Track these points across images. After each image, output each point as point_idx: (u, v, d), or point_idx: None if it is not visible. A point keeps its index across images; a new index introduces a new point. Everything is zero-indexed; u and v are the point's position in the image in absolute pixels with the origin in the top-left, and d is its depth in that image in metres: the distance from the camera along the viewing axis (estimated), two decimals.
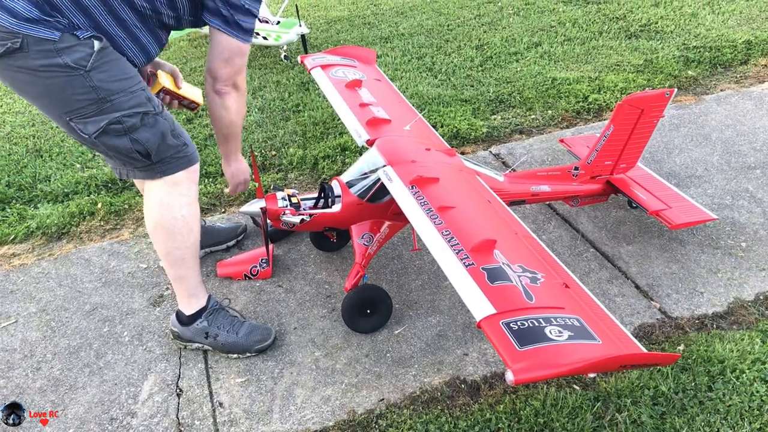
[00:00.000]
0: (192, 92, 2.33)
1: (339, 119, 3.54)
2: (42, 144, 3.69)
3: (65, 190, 3.23)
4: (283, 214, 2.25)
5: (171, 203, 2.08)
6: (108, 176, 3.29)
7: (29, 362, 2.28)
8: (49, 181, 3.33)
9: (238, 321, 2.30)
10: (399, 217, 2.30)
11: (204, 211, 3.05)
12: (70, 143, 3.67)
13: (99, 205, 3.09)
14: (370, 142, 2.39)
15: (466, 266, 1.71)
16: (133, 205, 3.09)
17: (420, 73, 4.10)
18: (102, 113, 1.89)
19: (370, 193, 2.30)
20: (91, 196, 3.17)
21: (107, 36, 1.87)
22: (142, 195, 3.10)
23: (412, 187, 2.07)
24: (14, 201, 3.19)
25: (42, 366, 2.27)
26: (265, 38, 4.38)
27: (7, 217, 3.09)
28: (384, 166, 2.21)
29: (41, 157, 3.56)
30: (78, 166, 3.44)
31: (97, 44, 1.82)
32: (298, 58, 3.01)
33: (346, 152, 3.33)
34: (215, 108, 2.15)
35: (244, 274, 2.58)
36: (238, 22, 1.97)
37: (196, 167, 2.15)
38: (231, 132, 2.27)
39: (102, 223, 3.01)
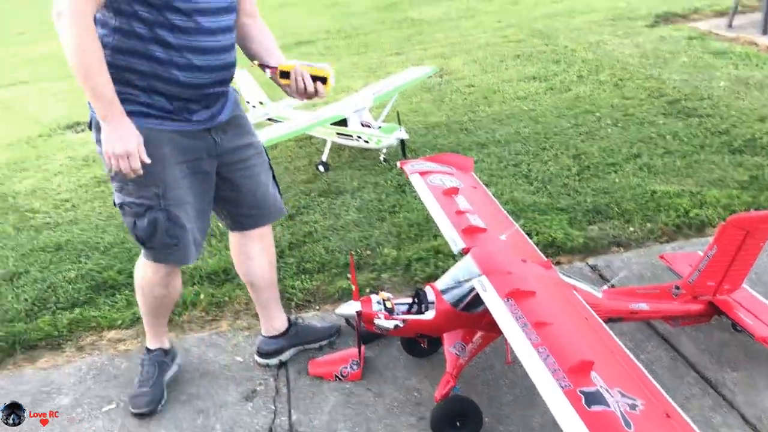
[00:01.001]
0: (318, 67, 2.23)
1: (433, 222, 3.60)
2: None
3: None
4: (377, 318, 2.28)
5: (152, 282, 2.51)
6: (211, 268, 3.45)
7: None
8: None
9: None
10: (492, 327, 2.29)
11: (299, 307, 3.13)
12: None
13: (201, 296, 3.23)
14: (466, 251, 2.42)
15: (563, 387, 1.67)
16: (233, 297, 3.21)
17: (516, 179, 4.15)
18: (121, 191, 2.27)
19: (465, 302, 2.31)
20: (195, 286, 3.33)
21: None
22: (241, 287, 3.23)
23: (508, 299, 2.07)
24: (124, 287, 3.38)
25: None
26: (366, 141, 4.57)
27: (116, 302, 3.28)
28: (479, 275, 2.23)
29: None
30: None
31: None
32: (398, 163, 3.12)
33: (440, 255, 3.37)
34: None
35: (335, 375, 2.61)
36: None
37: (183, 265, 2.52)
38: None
39: (203, 314, 3.13)
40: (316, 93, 2.23)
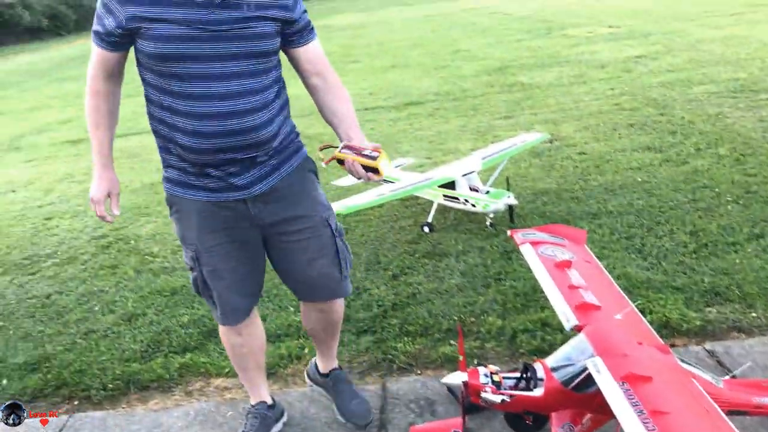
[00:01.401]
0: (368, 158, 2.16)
1: (541, 292, 3.53)
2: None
3: (278, 332, 3.48)
4: (484, 392, 2.25)
5: (226, 331, 2.60)
6: None
7: None
8: (265, 320, 3.62)
9: None
10: (603, 410, 2.20)
11: (401, 370, 3.12)
12: (286, 288, 3.97)
13: (306, 350, 3.28)
14: (579, 328, 2.35)
15: None
16: (338, 353, 3.24)
17: (628, 254, 4.02)
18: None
19: (576, 381, 2.23)
20: (300, 340, 3.39)
21: None
22: (343, 344, 3.27)
23: (623, 383, 1.99)
24: None
25: None
26: (473, 205, 4.57)
27: (223, 351, 3.38)
28: (593, 356, 2.16)
29: (261, 297, 3.89)
30: (291, 309, 3.71)
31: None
32: (508, 232, 3.10)
33: (547, 328, 3.29)
34: None
35: None
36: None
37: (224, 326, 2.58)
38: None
39: (306, 368, 3.18)
40: (369, 179, 2.18)
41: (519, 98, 8.82)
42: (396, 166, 5.34)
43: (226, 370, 3.21)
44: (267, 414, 2.71)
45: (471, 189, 4.65)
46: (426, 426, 2.65)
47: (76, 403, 3.10)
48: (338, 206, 4.31)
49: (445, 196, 4.73)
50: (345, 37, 20.03)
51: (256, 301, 2.61)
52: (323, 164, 2.26)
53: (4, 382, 3.30)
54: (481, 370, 2.31)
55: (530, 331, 3.29)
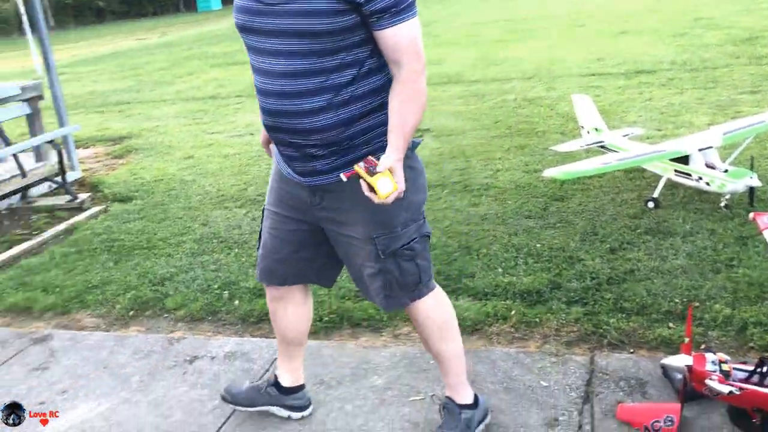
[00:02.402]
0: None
1: None
2: (473, 242, 4.06)
3: (485, 290, 3.48)
4: (710, 379, 2.07)
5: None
6: (525, 286, 3.46)
7: None
8: (473, 277, 3.64)
9: None
10: None
11: (611, 346, 2.98)
12: (497, 247, 3.96)
13: (512, 312, 3.25)
14: None
15: None
16: (543, 320, 3.18)
17: None
18: None
19: None
20: (507, 301, 3.36)
21: None
22: (553, 312, 3.20)
23: None
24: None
25: None
26: (707, 184, 4.20)
27: None
28: None
29: (470, 254, 3.92)
30: (500, 270, 3.68)
31: None
32: (750, 215, 2.81)
33: None
34: None
35: (645, 426, 2.43)
36: None
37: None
38: None
39: (512, 330, 3.15)
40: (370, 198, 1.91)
41: None
42: (624, 135, 5.05)
43: None
44: (270, 392, 2.66)
45: (707, 166, 4.27)
46: (637, 406, 2.52)
47: None
48: (556, 172, 4.18)
49: (676, 171, 4.39)
50: (572, 1, 19.19)
51: (299, 281, 2.47)
52: (343, 177, 1.96)
53: (236, 302, 3.66)
54: (709, 356, 2.13)
55: (764, 324, 2.98)
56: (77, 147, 7.05)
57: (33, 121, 6.34)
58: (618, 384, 2.71)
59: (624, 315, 3.16)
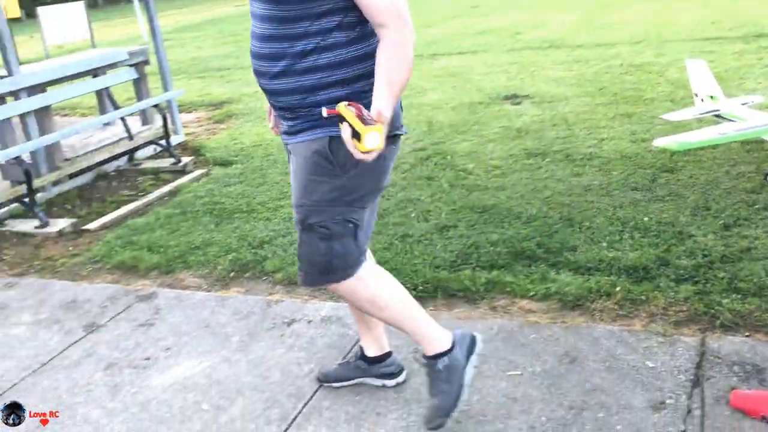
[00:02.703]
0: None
1: None
2: (575, 214, 3.91)
3: (588, 265, 3.34)
4: None
5: None
6: (631, 262, 3.30)
7: (525, 418, 2.39)
8: (575, 251, 3.50)
9: None
10: None
11: (724, 327, 2.80)
12: (601, 220, 3.80)
13: (617, 288, 3.11)
14: None
15: None
16: (650, 298, 3.02)
17: None
18: None
19: None
20: (611, 277, 3.22)
21: None
22: (661, 290, 3.04)
23: None
24: (541, 261, 3.44)
25: (536, 426, 2.35)
26: None
27: (531, 273, 3.35)
28: None
29: (572, 226, 3.77)
30: (604, 244, 3.53)
31: None
32: None
33: None
34: None
35: (763, 416, 2.27)
36: None
37: None
38: None
39: (616, 307, 3.01)
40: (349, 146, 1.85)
41: None
42: (742, 104, 4.72)
43: (531, 293, 3.18)
44: (360, 365, 2.67)
45: None
46: (754, 393, 2.36)
47: None
48: (669, 142, 3.96)
49: None
50: None
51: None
52: (324, 113, 1.88)
53: None
54: None
55: None
56: (180, 111, 7.26)
57: (139, 86, 6.57)
58: (731, 369, 2.54)
59: (739, 296, 2.97)
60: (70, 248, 4.45)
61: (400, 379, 2.65)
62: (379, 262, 3.57)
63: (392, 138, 2.10)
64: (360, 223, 2.20)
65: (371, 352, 2.63)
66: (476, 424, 2.39)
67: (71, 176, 5.67)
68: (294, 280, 3.62)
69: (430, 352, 2.33)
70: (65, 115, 8.85)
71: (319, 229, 2.13)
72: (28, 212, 4.99)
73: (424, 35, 12.27)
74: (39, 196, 5.17)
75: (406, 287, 3.25)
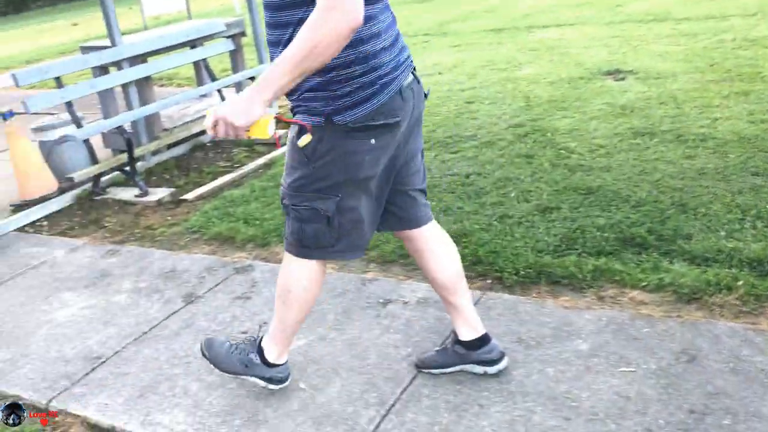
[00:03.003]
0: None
1: None
2: (689, 200, 3.65)
3: (705, 255, 3.11)
4: None
5: None
6: (755, 254, 3.04)
7: (640, 419, 2.24)
8: (690, 239, 3.27)
9: None
10: None
11: None
12: (717, 206, 3.53)
13: (739, 282, 2.87)
14: None
15: None
16: None
17: None
18: None
19: None
20: (732, 269, 2.98)
21: None
22: None
23: None
24: (651, 249, 3.23)
25: (653, 429, 2.19)
26: None
27: (642, 261, 3.15)
28: None
29: (686, 213, 3.52)
30: (722, 233, 3.28)
31: None
32: None
33: None
34: None
35: None
36: None
37: None
38: None
39: (738, 303, 2.79)
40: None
41: None
42: None
43: (643, 283, 2.99)
44: (458, 350, 2.59)
45: None
46: None
47: (488, 281, 3.21)
48: None
49: None
50: None
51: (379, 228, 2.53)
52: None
53: None
54: None
55: None
56: None
57: (235, 58, 6.61)
58: None
59: None
60: (169, 218, 4.53)
61: (502, 365, 2.53)
62: (477, 243, 3.47)
63: (367, 128, 2.08)
64: (332, 214, 2.19)
65: (465, 335, 2.53)
66: (587, 422, 2.25)
67: (169, 146, 5.77)
68: (389, 258, 3.56)
69: (268, 359, 2.51)
70: (162, 86, 9.06)
71: (292, 210, 2.24)
72: (128, 181, 5.11)
73: (518, 7, 11.89)
74: (139, 165, 5.29)
75: (507, 271, 3.16)
